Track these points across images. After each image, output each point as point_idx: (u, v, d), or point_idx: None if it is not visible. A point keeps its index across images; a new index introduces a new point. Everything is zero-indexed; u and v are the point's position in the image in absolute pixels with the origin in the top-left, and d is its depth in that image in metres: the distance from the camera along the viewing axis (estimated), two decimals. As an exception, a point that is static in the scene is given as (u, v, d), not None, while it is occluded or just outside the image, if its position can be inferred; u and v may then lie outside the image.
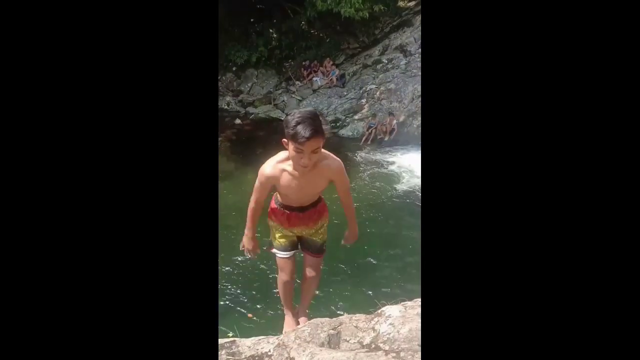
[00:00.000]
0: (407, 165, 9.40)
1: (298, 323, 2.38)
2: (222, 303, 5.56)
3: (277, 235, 2.27)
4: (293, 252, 2.32)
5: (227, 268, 6.30)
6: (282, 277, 2.36)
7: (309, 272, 2.37)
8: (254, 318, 5.46)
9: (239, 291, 6.05)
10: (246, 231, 2.26)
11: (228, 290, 6.00)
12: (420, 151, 8.95)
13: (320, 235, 2.28)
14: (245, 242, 2.27)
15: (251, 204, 2.17)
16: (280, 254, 2.30)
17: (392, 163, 9.64)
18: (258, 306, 5.76)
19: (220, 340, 1.86)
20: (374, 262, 6.56)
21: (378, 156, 10.05)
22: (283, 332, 2.26)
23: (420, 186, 8.28)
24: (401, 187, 8.77)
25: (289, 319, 2.46)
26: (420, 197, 7.81)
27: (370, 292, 5.69)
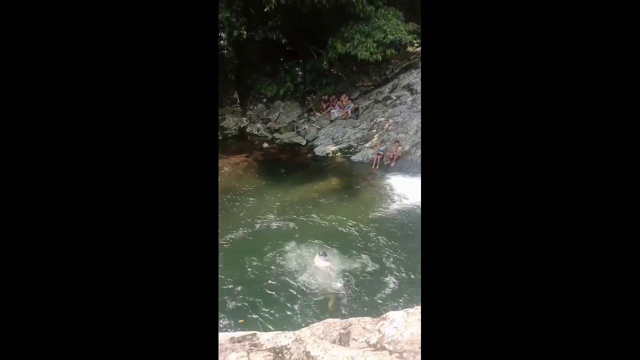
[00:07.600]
0: (409, 188, 9.31)
1: None
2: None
3: None
4: None
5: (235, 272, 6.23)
6: None
7: None
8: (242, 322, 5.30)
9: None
10: None
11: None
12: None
13: None
14: None
15: None
16: None
17: (394, 186, 9.58)
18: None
19: (243, 333, 1.83)
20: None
21: (384, 180, 10.02)
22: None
23: (414, 206, 8.18)
24: (400, 206, 8.66)
25: None
26: (413, 215, 7.71)
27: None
